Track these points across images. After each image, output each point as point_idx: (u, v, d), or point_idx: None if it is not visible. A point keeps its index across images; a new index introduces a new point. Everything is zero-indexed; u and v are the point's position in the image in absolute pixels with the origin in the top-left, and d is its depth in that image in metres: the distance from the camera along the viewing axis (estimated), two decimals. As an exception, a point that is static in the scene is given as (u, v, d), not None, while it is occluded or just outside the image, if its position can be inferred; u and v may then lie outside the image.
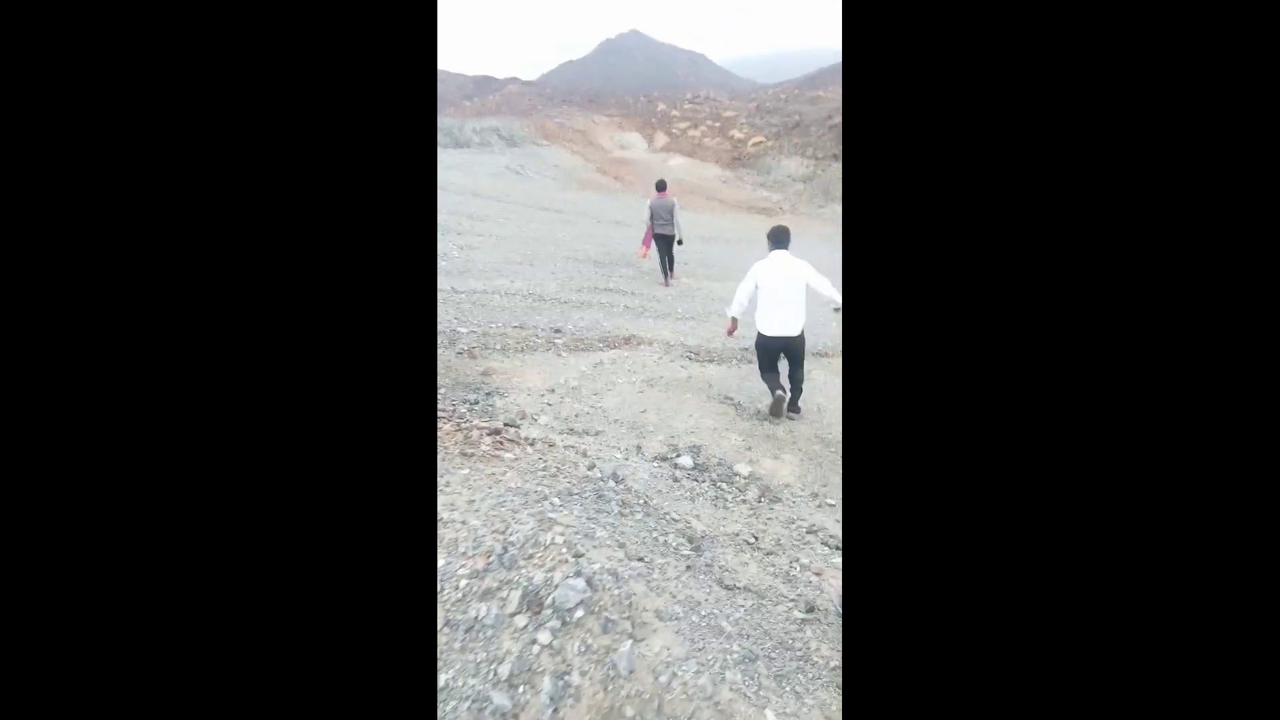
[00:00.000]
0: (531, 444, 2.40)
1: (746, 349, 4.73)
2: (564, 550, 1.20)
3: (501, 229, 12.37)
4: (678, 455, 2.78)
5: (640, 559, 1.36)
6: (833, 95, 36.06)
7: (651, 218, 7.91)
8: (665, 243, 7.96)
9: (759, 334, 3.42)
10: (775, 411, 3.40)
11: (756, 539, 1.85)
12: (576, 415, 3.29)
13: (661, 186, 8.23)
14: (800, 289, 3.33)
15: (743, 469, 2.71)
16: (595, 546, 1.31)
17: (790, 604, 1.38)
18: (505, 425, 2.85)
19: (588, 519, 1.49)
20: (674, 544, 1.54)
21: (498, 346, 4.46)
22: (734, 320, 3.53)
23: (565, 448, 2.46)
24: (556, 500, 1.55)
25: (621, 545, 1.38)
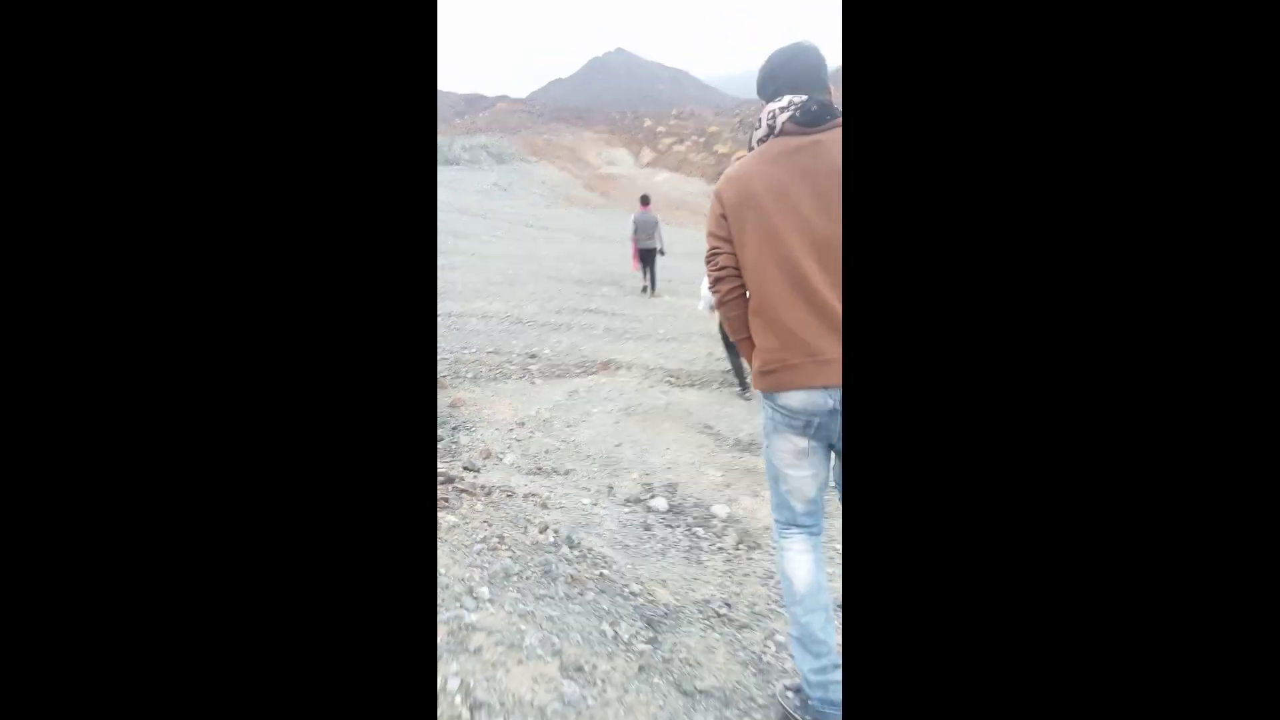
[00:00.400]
0: (488, 494, 2.17)
1: (727, 371, 4.54)
2: (458, 699, 0.96)
3: (485, 247, 12.20)
4: (652, 496, 2.55)
5: (579, 669, 1.13)
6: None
7: (635, 232, 8.14)
8: (648, 255, 8.20)
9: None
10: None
11: (729, 606, 1.63)
12: (546, 451, 3.06)
13: (645, 201, 8.44)
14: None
15: (721, 510, 2.49)
16: (520, 662, 1.08)
17: (760, 713, 1.15)
18: (464, 469, 2.62)
19: (520, 614, 1.25)
20: (627, 635, 1.31)
21: (469, 375, 4.23)
22: (710, 310, 4.15)
23: (526, 496, 2.23)
24: (486, 591, 1.31)
25: (557, 652, 1.15)
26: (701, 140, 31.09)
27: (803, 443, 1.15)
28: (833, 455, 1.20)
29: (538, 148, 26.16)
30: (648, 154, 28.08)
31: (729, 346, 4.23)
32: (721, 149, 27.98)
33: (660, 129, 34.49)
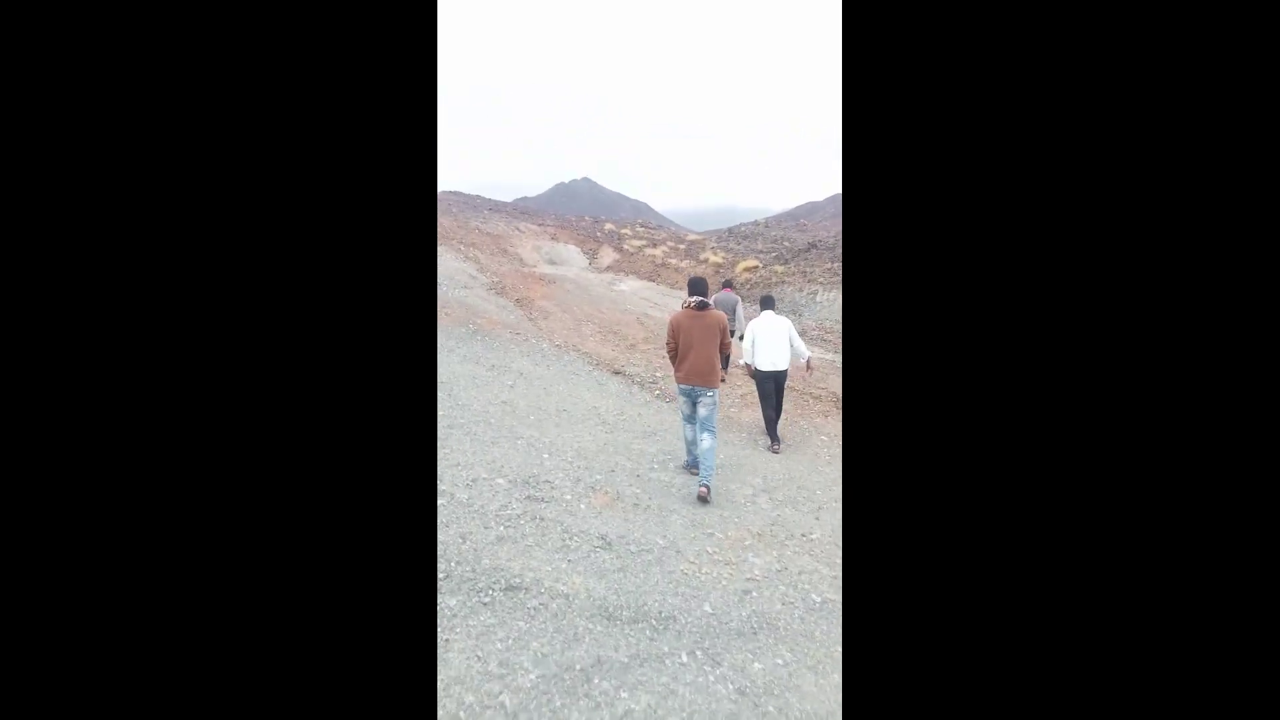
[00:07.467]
0: None
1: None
2: None
3: None
4: None
5: None
6: (817, 227, 28.61)
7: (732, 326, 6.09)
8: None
9: (757, 369, 5.19)
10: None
11: None
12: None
13: (727, 285, 7.29)
14: (784, 338, 5.16)
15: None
16: None
17: None
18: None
19: None
20: None
21: None
22: (748, 365, 5.25)
23: None
24: None
25: None
26: (682, 247, 21.18)
27: (685, 400, 4.08)
28: (698, 406, 3.98)
29: (443, 230, 15.78)
30: (608, 254, 17.74)
31: (764, 402, 5.29)
32: (714, 258, 18.05)
33: (625, 231, 24.60)
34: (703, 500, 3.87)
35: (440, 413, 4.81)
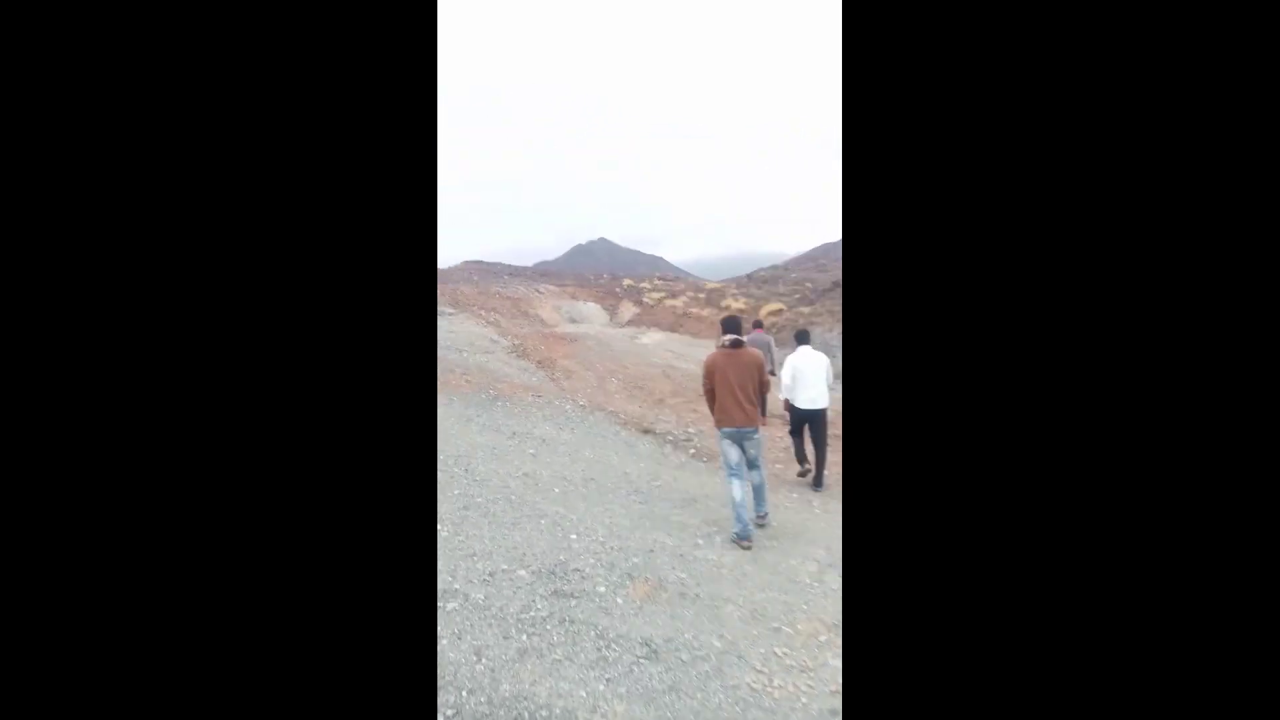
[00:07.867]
0: None
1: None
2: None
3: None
4: None
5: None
6: (837, 267, 28.33)
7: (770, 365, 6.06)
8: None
9: (795, 406, 4.94)
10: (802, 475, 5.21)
11: None
12: None
13: (758, 325, 7.24)
14: (823, 374, 4.84)
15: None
16: None
17: None
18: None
19: None
20: None
21: None
22: (786, 400, 5.04)
23: None
24: None
25: None
26: (702, 296, 21.05)
27: (729, 445, 3.78)
28: (745, 448, 3.76)
29: (462, 298, 15.80)
30: (629, 309, 17.56)
31: (793, 434, 5.18)
32: (736, 305, 17.75)
33: (644, 285, 24.68)
34: (759, 526, 3.99)
35: (456, 491, 4.35)
